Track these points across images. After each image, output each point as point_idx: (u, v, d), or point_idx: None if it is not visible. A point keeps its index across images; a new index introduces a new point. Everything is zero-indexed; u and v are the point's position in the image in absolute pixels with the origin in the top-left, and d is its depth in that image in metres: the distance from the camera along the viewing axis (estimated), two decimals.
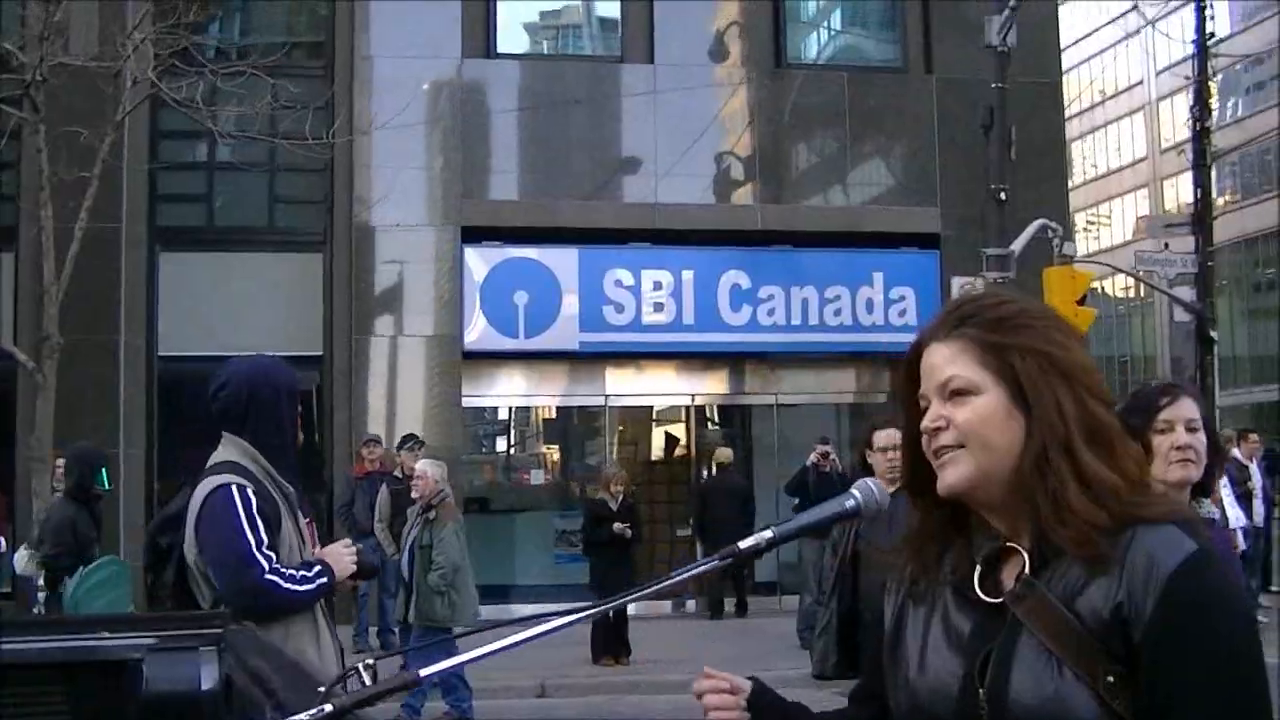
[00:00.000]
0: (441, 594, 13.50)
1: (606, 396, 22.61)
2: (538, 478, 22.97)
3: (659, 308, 21.57)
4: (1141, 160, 63.22)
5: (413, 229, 21.07)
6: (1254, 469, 19.76)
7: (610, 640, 16.84)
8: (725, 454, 21.51)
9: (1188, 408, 4.59)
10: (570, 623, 2.57)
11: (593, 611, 2.60)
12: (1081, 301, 19.81)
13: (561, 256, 21.29)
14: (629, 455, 22.60)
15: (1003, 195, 18.58)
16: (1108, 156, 64.61)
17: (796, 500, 19.37)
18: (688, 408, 23.29)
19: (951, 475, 2.51)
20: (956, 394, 2.51)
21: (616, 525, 17.04)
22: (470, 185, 21.43)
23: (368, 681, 2.49)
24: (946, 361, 2.54)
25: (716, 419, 24.00)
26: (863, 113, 22.71)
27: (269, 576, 5.44)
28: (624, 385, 22.75)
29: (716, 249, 21.85)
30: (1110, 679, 2.35)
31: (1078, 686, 2.36)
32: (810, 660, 9.35)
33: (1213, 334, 23.16)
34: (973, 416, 2.49)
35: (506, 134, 21.97)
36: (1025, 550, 2.47)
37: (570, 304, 21.24)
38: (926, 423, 2.54)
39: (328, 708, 2.43)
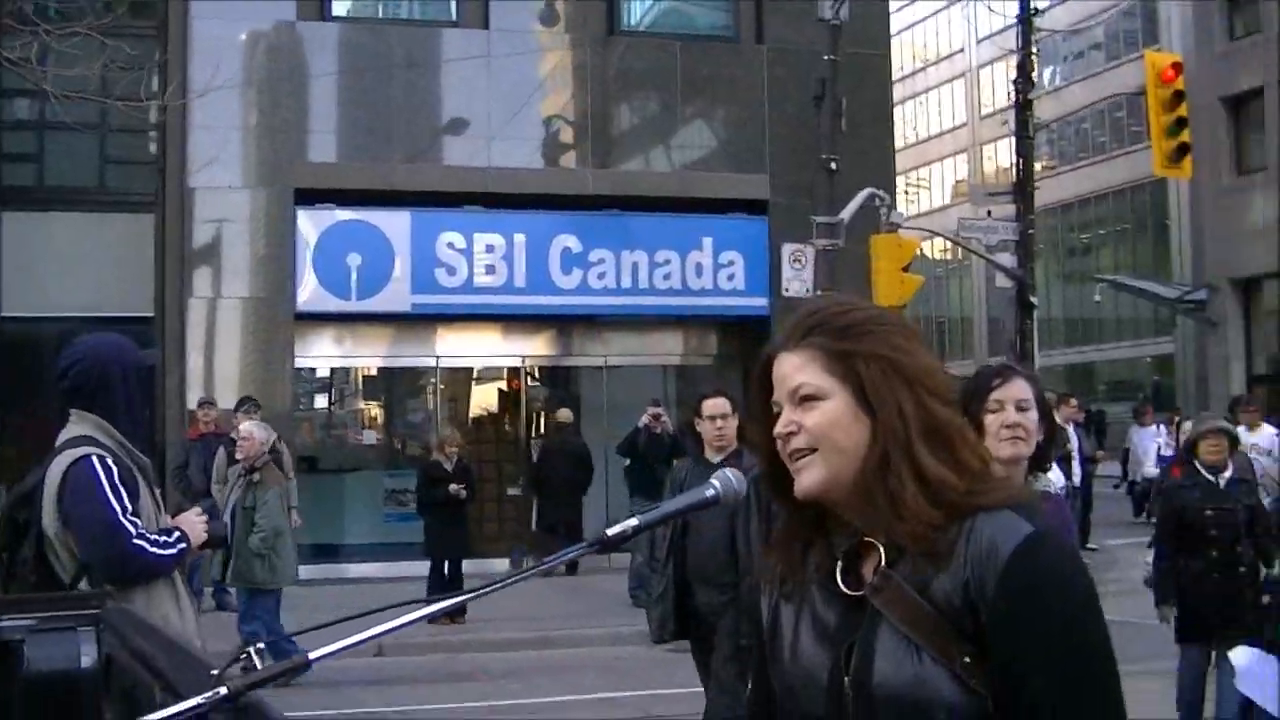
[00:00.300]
0: (261, 557, 13.68)
1: (438, 358, 22.79)
2: (369, 438, 23.10)
3: (490, 270, 21.73)
4: (961, 126, 64.60)
5: (244, 191, 21.00)
6: (1071, 433, 20.40)
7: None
8: (565, 415, 21.83)
9: (1018, 388, 4.79)
10: (463, 601, 2.77)
11: (482, 593, 2.70)
12: (907, 268, 20.38)
13: (394, 219, 21.35)
14: (460, 416, 22.84)
15: (833, 165, 19.01)
16: (928, 122, 65.92)
17: (628, 461, 19.68)
18: (518, 369, 23.55)
19: (806, 479, 2.62)
20: (805, 400, 2.62)
21: (452, 487, 17.21)
22: (303, 148, 21.38)
23: (259, 664, 2.53)
24: (795, 370, 2.64)
25: (546, 380, 24.30)
26: (694, 80, 23.03)
27: (136, 542, 5.61)
28: (455, 347, 22.95)
29: (548, 213, 22.06)
30: (966, 660, 2.46)
31: (936, 669, 2.47)
32: (646, 620, 9.62)
33: (1032, 299, 23.84)
34: (821, 420, 2.60)
35: (340, 97, 21.95)
36: (881, 544, 2.58)
37: (402, 266, 21.30)
38: (779, 429, 2.65)
39: (223, 690, 2.46)
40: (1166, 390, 47.46)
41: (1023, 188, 24.65)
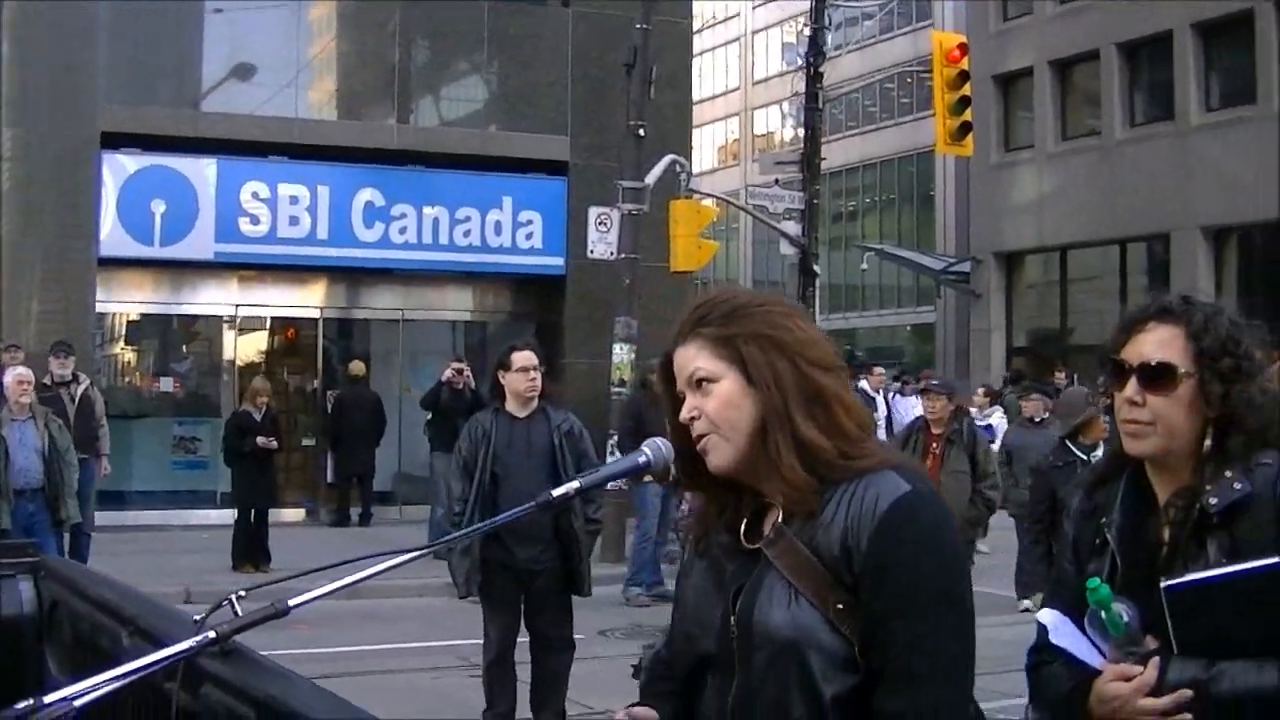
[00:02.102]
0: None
1: (237, 306, 23.41)
2: (167, 384, 23.44)
3: (294, 221, 22.48)
4: (734, 90, 65.88)
5: (51, 133, 21.29)
6: (880, 400, 21.60)
7: (250, 548, 17.84)
8: (358, 366, 22.63)
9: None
10: (412, 559, 2.95)
11: (425, 551, 2.98)
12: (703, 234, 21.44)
13: (200, 166, 21.93)
14: (257, 366, 23.39)
15: (642, 132, 19.91)
16: (699, 85, 66.99)
17: (430, 415, 20.47)
18: (317, 320, 24.30)
19: (715, 457, 2.93)
20: (701, 385, 2.92)
21: (260, 439, 17.89)
22: (111, 91, 21.77)
23: (239, 611, 2.76)
24: (689, 359, 2.94)
25: (343, 332, 25.04)
26: (502, 40, 24.07)
27: None
28: (256, 296, 23.63)
29: (352, 166, 22.86)
30: (839, 606, 2.76)
31: (811, 613, 2.77)
32: (449, 571, 10.07)
33: (815, 267, 25.09)
34: (717, 402, 2.90)
35: (150, 41, 22.43)
36: (780, 504, 2.90)
37: (207, 214, 21.90)
38: (683, 415, 2.95)
39: (211, 634, 2.68)
40: (924, 359, 49.41)
41: (809, 158, 25.86)
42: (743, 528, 2.97)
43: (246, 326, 23.87)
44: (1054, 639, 3.38)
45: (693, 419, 2.92)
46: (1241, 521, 3.23)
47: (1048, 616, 3.42)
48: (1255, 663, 3.15)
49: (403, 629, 14.30)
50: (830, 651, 2.77)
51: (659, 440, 3.07)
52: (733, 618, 2.88)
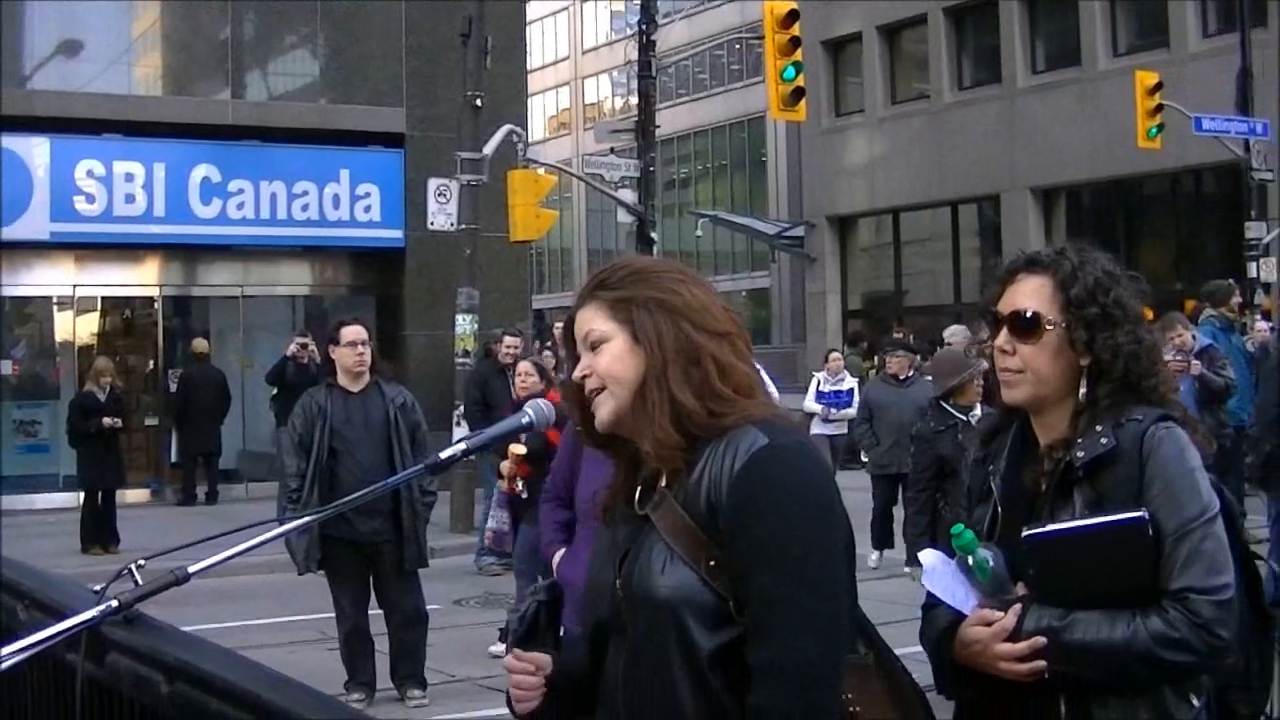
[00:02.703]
0: None
1: (75, 286, 23.05)
2: (4, 367, 22.93)
3: (130, 199, 22.18)
4: (564, 60, 65.85)
5: None
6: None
7: (99, 529, 17.62)
8: (201, 344, 22.36)
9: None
10: (301, 524, 3.19)
11: (322, 514, 3.21)
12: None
13: (32, 145, 21.55)
14: (97, 347, 23.00)
15: (479, 102, 19.91)
16: (531, 54, 66.88)
17: (275, 391, 20.31)
18: (155, 298, 23.98)
19: (601, 413, 3.00)
20: (594, 345, 3.00)
21: (106, 419, 17.61)
22: None
23: (139, 580, 2.76)
24: (586, 321, 3.02)
25: (182, 310, 24.73)
26: (336, 14, 24.00)
27: None
28: (93, 275, 23.27)
29: (188, 142, 22.60)
30: (711, 563, 2.83)
31: (685, 572, 2.83)
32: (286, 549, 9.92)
33: (653, 235, 25.29)
34: (606, 360, 2.98)
35: None
36: (666, 470, 2.96)
37: (41, 193, 21.55)
38: (576, 372, 3.03)
39: (114, 603, 2.70)
40: (760, 324, 49.90)
41: (644, 126, 26.08)
42: (637, 495, 3.03)
43: (84, 306, 23.49)
44: (925, 581, 3.46)
45: (584, 376, 3.00)
46: (1105, 475, 3.31)
47: (928, 557, 3.49)
48: (1108, 615, 3.22)
49: (256, 606, 14.20)
50: (706, 609, 2.82)
51: (541, 401, 3.17)
52: (617, 582, 2.96)
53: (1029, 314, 3.44)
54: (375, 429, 9.94)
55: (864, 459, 16.41)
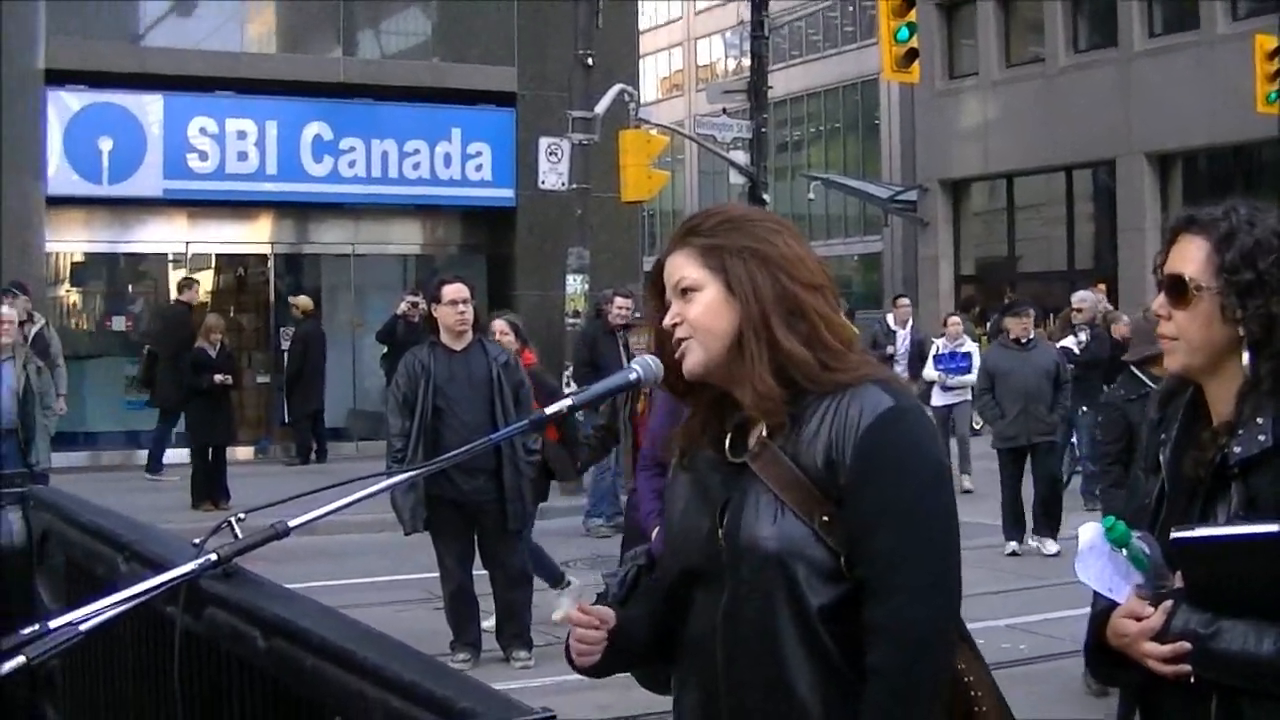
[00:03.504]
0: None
1: (188, 244, 23.33)
2: (119, 324, 23.28)
3: (242, 157, 22.34)
4: (676, 20, 65.66)
5: None
6: (904, 333, 20.96)
7: (210, 486, 17.76)
8: (305, 301, 22.36)
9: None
10: (406, 478, 3.18)
11: (420, 471, 3.23)
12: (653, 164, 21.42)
13: (145, 103, 21.73)
14: (210, 303, 23.00)
15: (590, 61, 19.87)
16: (643, 15, 66.81)
17: (385, 350, 20.40)
18: (268, 256, 24.20)
19: (690, 361, 2.99)
20: (685, 293, 2.99)
21: (217, 376, 17.73)
22: (52, 27, 21.36)
23: (239, 534, 2.76)
24: (676, 268, 3.02)
25: (294, 267, 24.92)
26: None
27: None
28: (206, 233, 23.53)
29: (300, 100, 22.70)
30: (825, 518, 2.84)
31: (798, 525, 2.84)
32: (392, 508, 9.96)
33: (765, 197, 25.12)
34: (698, 309, 2.97)
35: None
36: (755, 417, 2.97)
37: (154, 150, 21.72)
38: (666, 320, 3.02)
39: (213, 556, 2.70)
40: (872, 288, 49.63)
41: (756, 87, 25.89)
42: (727, 442, 3.02)
43: (197, 264, 23.65)
44: (1078, 567, 3.32)
45: (675, 324, 3.00)
46: (1263, 475, 3.11)
47: (1086, 534, 3.31)
48: (1257, 626, 3.04)
49: (363, 564, 14.29)
50: (816, 563, 2.84)
51: (648, 357, 3.11)
52: (720, 531, 2.93)
53: (1176, 278, 3.23)
54: (479, 387, 9.93)
55: (980, 430, 16.03)
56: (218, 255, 24.19)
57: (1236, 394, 3.17)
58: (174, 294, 21.04)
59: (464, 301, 9.89)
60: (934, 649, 2.83)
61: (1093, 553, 3.29)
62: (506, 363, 10.09)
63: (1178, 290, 3.23)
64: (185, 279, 20.85)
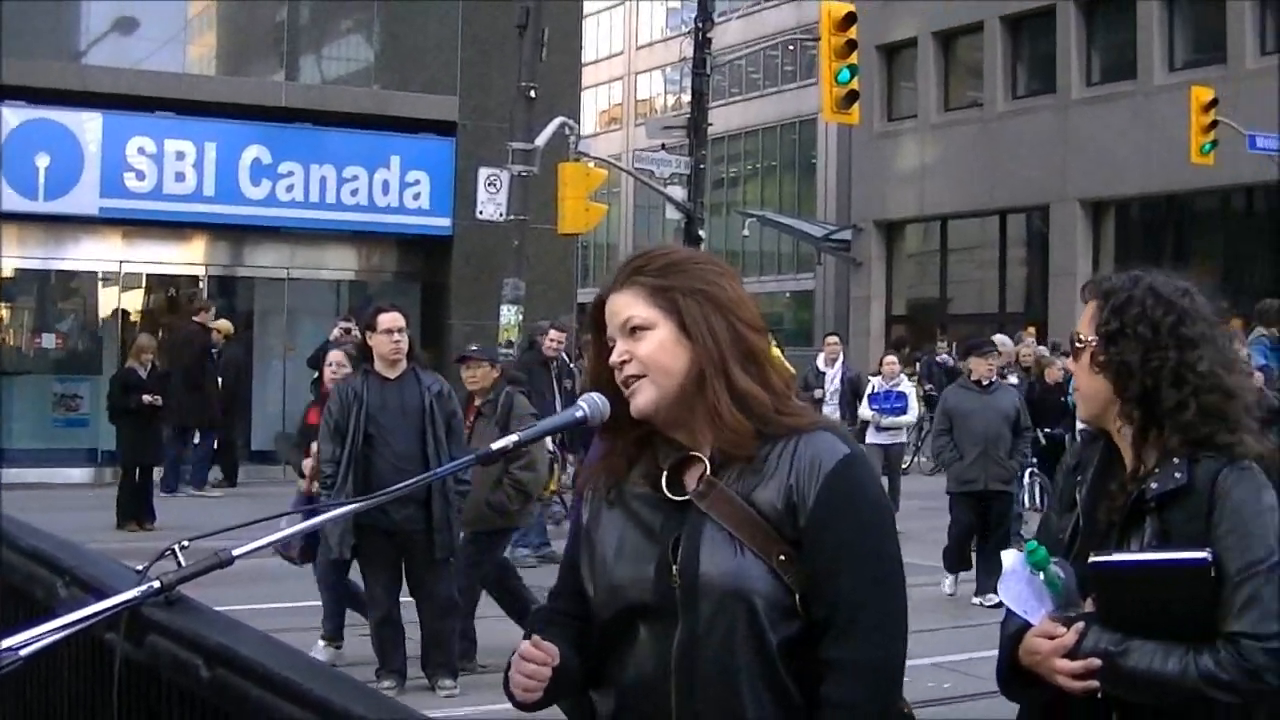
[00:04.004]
0: None
1: (122, 263, 23.13)
2: (49, 341, 23.12)
3: (180, 177, 22.23)
4: (618, 54, 65.78)
5: None
6: (833, 372, 20.43)
7: (136, 506, 17.67)
8: (225, 325, 22.13)
9: None
10: (353, 510, 3.30)
11: (370, 502, 3.10)
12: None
13: (86, 120, 21.60)
14: (141, 324, 22.98)
15: (532, 94, 19.92)
16: (585, 48, 66.85)
17: (315, 374, 20.26)
18: (201, 277, 24.08)
19: (640, 400, 2.99)
20: (635, 331, 2.99)
21: (146, 397, 17.62)
22: None
23: (182, 561, 2.71)
24: (625, 306, 3.01)
25: (228, 290, 24.74)
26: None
27: None
28: (141, 252, 23.35)
29: (240, 122, 22.65)
30: (782, 557, 2.89)
31: (755, 563, 2.89)
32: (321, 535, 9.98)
33: (701, 233, 25.21)
34: (650, 348, 2.97)
35: None
36: (706, 457, 3.00)
37: (92, 169, 21.60)
38: (615, 358, 3.01)
39: (156, 583, 2.67)
40: (803, 325, 49.79)
41: (696, 124, 26.04)
42: (664, 479, 3.03)
43: (130, 283, 23.55)
44: (1000, 588, 3.55)
45: (623, 362, 2.99)
46: (1176, 510, 3.37)
47: (1008, 559, 3.56)
48: (1164, 646, 3.30)
49: (290, 588, 14.12)
50: (774, 600, 2.89)
51: (595, 395, 3.09)
52: (674, 568, 2.94)
53: (1075, 335, 3.62)
54: (411, 416, 9.93)
55: (932, 473, 15.78)
56: (151, 275, 24.02)
57: (1130, 443, 3.50)
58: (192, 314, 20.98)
59: (399, 330, 9.88)
60: (896, 685, 2.95)
61: (1013, 576, 3.51)
62: (440, 392, 10.09)
63: (1074, 345, 3.62)
64: (201, 300, 20.67)
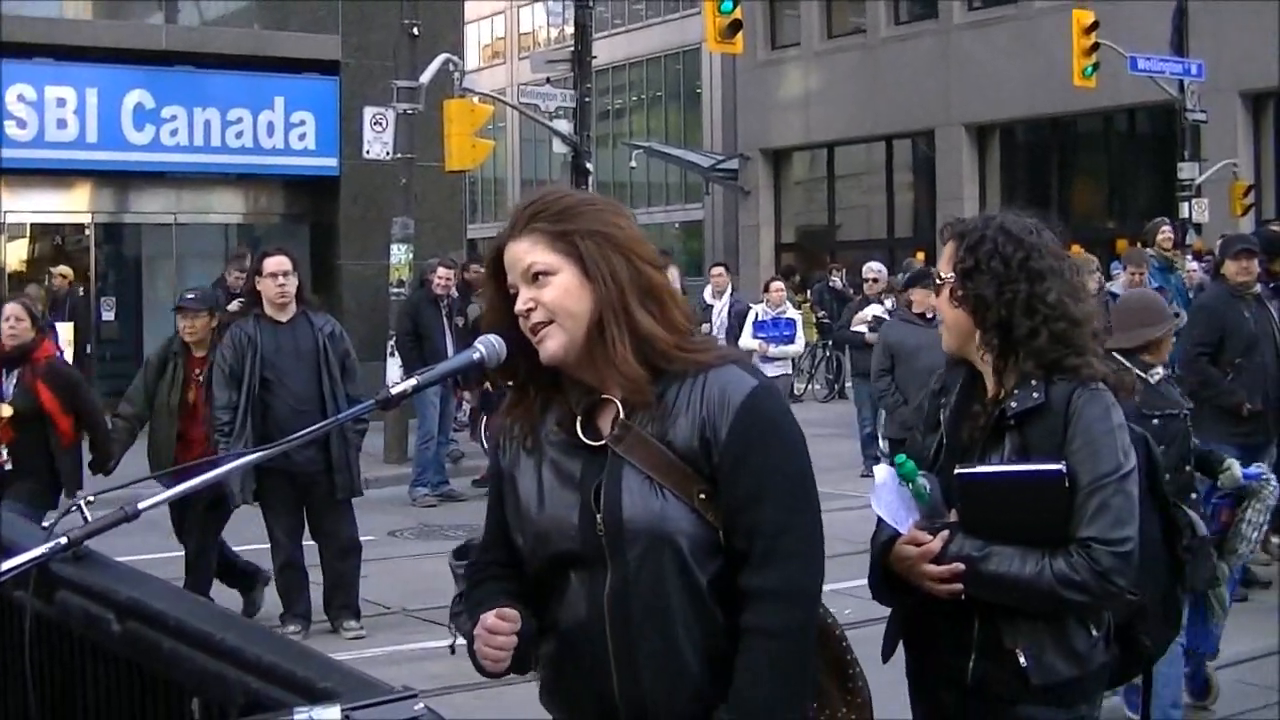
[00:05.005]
0: None
1: (6, 213, 22.75)
2: None
3: (62, 125, 21.85)
4: None
5: None
6: (720, 304, 19.50)
7: None
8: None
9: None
10: (255, 460, 3.22)
11: (271, 451, 3.01)
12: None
13: None
14: (26, 274, 22.70)
15: (416, 31, 19.79)
16: None
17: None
18: (87, 225, 23.77)
19: (550, 345, 2.99)
20: (538, 277, 2.99)
21: None
22: None
23: (88, 517, 2.69)
24: (525, 252, 3.01)
25: (115, 237, 24.53)
26: None
27: None
28: (24, 202, 23.02)
29: (121, 67, 22.26)
30: (702, 495, 2.94)
31: (676, 504, 2.93)
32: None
33: (588, 166, 25.09)
34: (555, 293, 2.98)
35: None
36: (618, 400, 3.02)
37: None
38: (520, 306, 3.01)
39: (63, 540, 2.65)
40: (693, 255, 49.83)
41: (580, 56, 25.89)
42: (579, 424, 3.06)
43: (14, 233, 23.24)
44: (872, 499, 3.79)
45: (529, 309, 3.00)
46: (1034, 427, 3.68)
47: (880, 473, 3.83)
48: (1022, 551, 3.61)
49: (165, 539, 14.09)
50: (699, 539, 2.95)
51: (491, 337, 3.09)
52: (598, 515, 2.98)
53: (935, 274, 3.98)
54: (305, 358, 9.96)
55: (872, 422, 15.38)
56: (35, 224, 23.74)
57: (992, 368, 3.81)
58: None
59: (284, 274, 9.87)
60: (815, 605, 3.04)
61: (884, 488, 3.78)
62: (332, 333, 10.14)
63: (934, 283, 4.00)
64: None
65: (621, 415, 3.01)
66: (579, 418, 3.06)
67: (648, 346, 2.98)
